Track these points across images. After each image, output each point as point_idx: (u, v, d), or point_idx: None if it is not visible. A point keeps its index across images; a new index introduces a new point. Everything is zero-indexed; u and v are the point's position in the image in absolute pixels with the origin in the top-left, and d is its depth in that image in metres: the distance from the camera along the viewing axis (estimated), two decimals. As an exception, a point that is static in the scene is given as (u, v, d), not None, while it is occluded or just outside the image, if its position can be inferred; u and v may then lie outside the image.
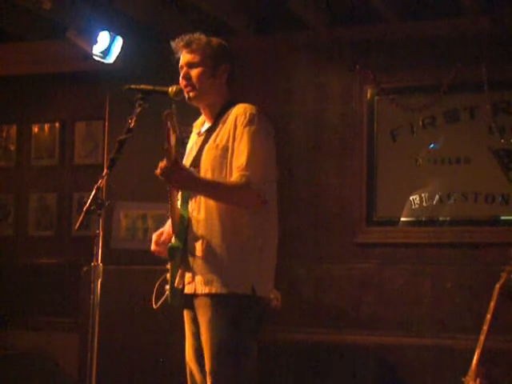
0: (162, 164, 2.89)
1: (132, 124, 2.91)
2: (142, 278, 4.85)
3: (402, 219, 5.29)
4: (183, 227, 3.07)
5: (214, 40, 3.18)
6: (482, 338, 4.04)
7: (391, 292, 5.21)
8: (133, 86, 3.03)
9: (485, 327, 4.06)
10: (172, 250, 3.07)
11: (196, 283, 3.01)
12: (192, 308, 3.08)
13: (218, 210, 3.02)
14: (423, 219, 5.26)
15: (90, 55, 5.14)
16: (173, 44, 3.17)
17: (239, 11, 5.43)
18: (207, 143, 3.11)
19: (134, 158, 4.98)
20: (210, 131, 3.15)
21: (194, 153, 3.17)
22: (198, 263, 3.01)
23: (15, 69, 6.12)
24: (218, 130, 3.11)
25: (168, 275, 3.11)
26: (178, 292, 3.07)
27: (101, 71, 5.58)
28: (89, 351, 2.73)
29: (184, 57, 3.15)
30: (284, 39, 5.57)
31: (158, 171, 2.90)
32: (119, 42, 5.17)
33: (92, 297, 2.74)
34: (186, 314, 3.17)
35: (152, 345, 4.74)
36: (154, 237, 3.23)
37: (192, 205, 3.09)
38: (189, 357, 3.15)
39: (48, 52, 5.87)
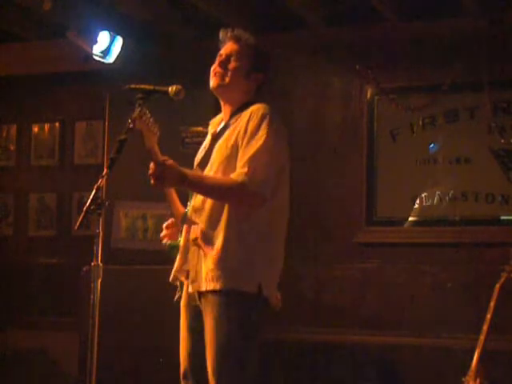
0: (151, 166, 2.89)
1: (132, 124, 2.91)
2: (142, 278, 4.86)
3: (402, 219, 5.29)
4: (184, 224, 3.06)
5: (261, 46, 3.19)
6: (482, 337, 4.04)
7: (391, 292, 5.21)
8: (133, 86, 3.02)
9: (485, 327, 4.05)
10: (170, 248, 3.07)
11: (201, 280, 2.97)
12: (194, 305, 3.06)
13: (224, 206, 2.98)
14: (423, 219, 5.25)
15: (90, 55, 5.14)
16: (221, 32, 3.18)
17: (239, 11, 5.43)
18: (218, 142, 3.08)
19: (134, 158, 4.96)
20: (222, 130, 3.12)
21: (203, 152, 3.16)
22: (202, 260, 2.98)
23: (15, 69, 6.12)
24: (230, 128, 3.07)
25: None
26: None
27: (101, 71, 5.57)
28: (89, 351, 2.73)
29: (228, 46, 3.15)
30: (284, 39, 5.57)
31: (150, 173, 2.88)
32: (119, 42, 5.17)
33: (92, 297, 2.74)
34: (184, 310, 3.12)
35: (152, 344, 4.74)
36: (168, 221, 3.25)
37: (195, 200, 3.06)
38: (183, 354, 3.11)
39: (48, 52, 5.87)
